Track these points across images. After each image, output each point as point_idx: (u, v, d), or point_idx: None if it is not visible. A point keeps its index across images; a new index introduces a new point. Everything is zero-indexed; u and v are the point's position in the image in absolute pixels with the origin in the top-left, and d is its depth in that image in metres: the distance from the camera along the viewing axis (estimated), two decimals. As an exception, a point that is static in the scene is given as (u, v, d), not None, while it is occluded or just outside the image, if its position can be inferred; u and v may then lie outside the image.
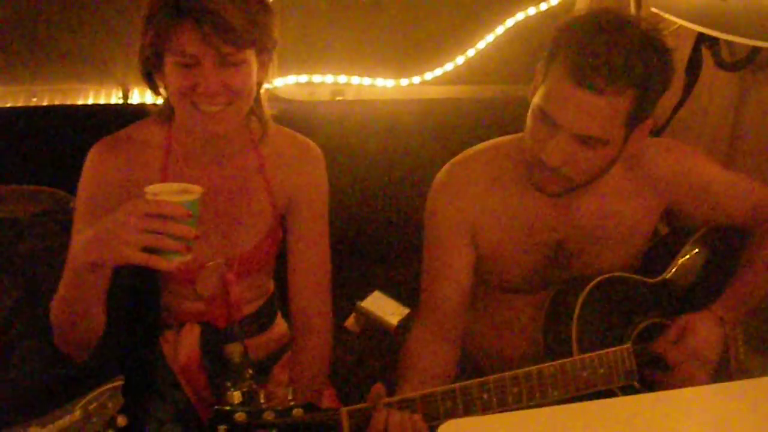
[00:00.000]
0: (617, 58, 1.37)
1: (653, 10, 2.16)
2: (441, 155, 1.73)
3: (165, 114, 1.55)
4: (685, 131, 2.39)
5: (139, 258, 1.22)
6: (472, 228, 1.64)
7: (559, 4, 2.67)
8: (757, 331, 1.71)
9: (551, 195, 1.53)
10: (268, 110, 1.61)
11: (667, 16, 2.12)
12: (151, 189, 1.25)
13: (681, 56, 2.28)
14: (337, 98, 2.60)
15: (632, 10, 2.36)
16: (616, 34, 1.40)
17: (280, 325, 1.84)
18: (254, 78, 1.47)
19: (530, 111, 1.49)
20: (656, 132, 2.42)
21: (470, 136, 1.77)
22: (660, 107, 2.41)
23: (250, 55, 1.43)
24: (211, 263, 1.62)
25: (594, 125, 1.41)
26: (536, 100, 1.47)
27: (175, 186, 1.29)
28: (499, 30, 2.68)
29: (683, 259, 1.72)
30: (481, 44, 2.68)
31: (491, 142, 1.70)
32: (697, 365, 1.57)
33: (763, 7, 1.86)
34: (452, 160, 1.69)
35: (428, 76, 2.67)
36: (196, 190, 1.26)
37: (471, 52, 2.69)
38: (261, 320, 1.77)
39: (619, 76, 1.38)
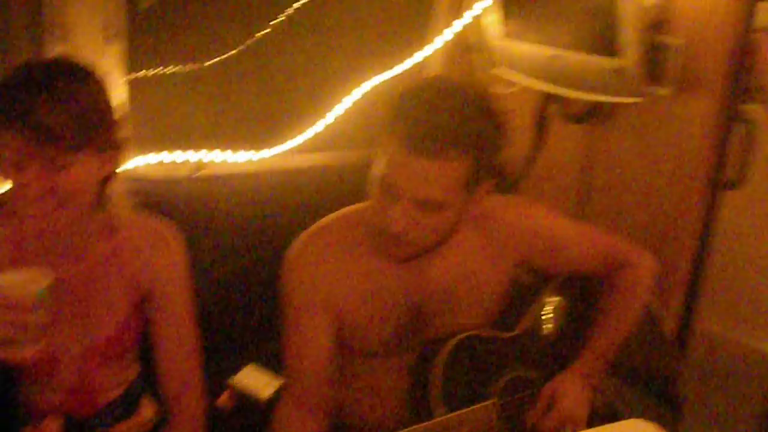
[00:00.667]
0: (449, 124, 1.43)
1: (497, 70, 2.27)
2: (307, 224, 1.74)
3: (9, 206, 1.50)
4: (539, 183, 2.49)
5: None
6: (329, 298, 1.66)
7: (413, 67, 2.74)
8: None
9: (400, 261, 1.57)
10: (122, 197, 1.58)
11: (512, 75, 2.23)
12: None
13: (530, 111, 2.39)
14: (198, 174, 2.57)
15: (478, 71, 2.45)
16: (448, 102, 1.46)
17: (147, 408, 1.79)
18: (91, 176, 1.43)
19: (372, 180, 1.53)
20: (511, 185, 2.51)
21: (334, 203, 1.79)
22: (513, 161, 2.53)
23: (84, 156, 1.39)
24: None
25: (432, 190, 1.46)
26: (376, 169, 1.51)
27: (23, 274, 1.25)
28: (357, 95, 2.72)
29: (537, 310, 1.78)
30: (340, 109, 2.71)
31: (344, 210, 1.73)
32: (570, 428, 1.62)
33: (599, 63, 1.98)
34: (305, 233, 1.71)
35: (290, 144, 2.68)
36: (45, 277, 1.23)
37: (331, 118, 2.72)
38: (125, 406, 1.72)
39: (451, 142, 1.43)
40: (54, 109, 1.33)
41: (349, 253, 1.67)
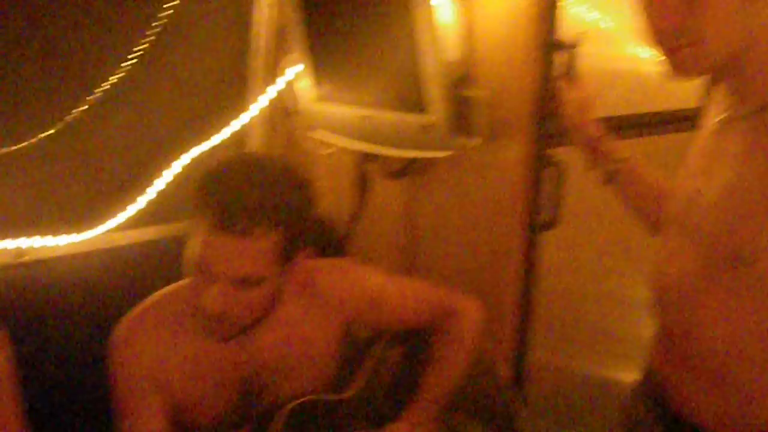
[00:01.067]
0: (256, 200, 1.45)
1: (315, 134, 2.30)
2: (136, 302, 1.70)
3: None
4: (366, 240, 2.52)
5: None
6: (158, 379, 1.62)
7: (233, 135, 2.73)
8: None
9: (222, 340, 1.55)
10: None
11: (329, 137, 2.26)
12: None
13: (350, 170, 2.43)
14: (20, 260, 2.47)
15: (298, 135, 2.47)
16: (253, 177, 1.48)
17: None
18: None
19: (187, 261, 1.52)
20: (337, 245, 2.53)
21: (162, 279, 1.75)
22: (338, 220, 2.56)
23: None
24: None
25: (247, 268, 1.46)
26: (190, 251, 1.49)
27: None
28: (177, 167, 2.69)
29: (371, 366, 1.79)
30: (161, 183, 2.67)
31: (169, 288, 1.71)
32: None
33: (409, 121, 2.03)
34: (129, 314, 1.67)
35: (113, 222, 2.61)
36: None
37: (152, 193, 2.67)
38: None
39: (260, 217, 1.44)
40: None
41: (174, 332, 1.64)
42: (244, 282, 1.47)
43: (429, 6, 1.90)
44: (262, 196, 1.45)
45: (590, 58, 2.20)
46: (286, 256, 1.52)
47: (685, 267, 1.38)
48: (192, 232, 1.50)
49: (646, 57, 2.44)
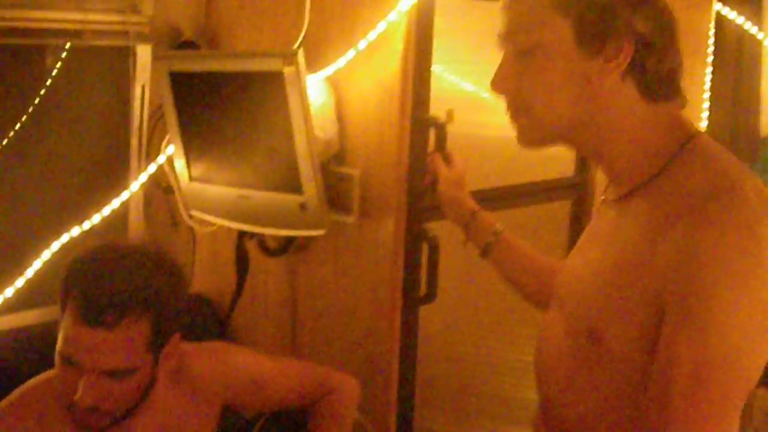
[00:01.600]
0: (121, 291, 1.44)
1: (192, 212, 2.29)
2: (6, 393, 1.64)
3: None
4: (249, 318, 2.51)
5: None
6: None
7: (113, 212, 2.69)
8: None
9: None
10: None
11: (206, 217, 2.26)
12: None
13: (230, 248, 2.42)
14: None
15: (177, 213, 2.45)
16: (120, 266, 1.47)
17: None
18: None
19: (55, 354, 1.48)
20: (220, 328, 2.52)
21: (42, 365, 1.69)
22: (220, 299, 2.55)
23: None
24: None
25: (116, 360, 1.45)
26: (58, 344, 1.47)
27: None
28: (56, 247, 2.62)
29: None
30: (38, 264, 2.60)
31: (39, 378, 1.66)
32: None
33: (284, 200, 2.05)
34: None
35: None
36: None
37: (30, 273, 2.60)
38: None
39: (125, 308, 1.43)
40: None
41: (46, 425, 1.57)
42: (115, 374, 1.45)
43: (301, 86, 1.93)
44: (127, 286, 1.44)
45: (468, 126, 2.27)
46: (157, 343, 1.50)
47: (557, 338, 1.42)
48: (59, 322, 1.48)
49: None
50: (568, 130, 1.33)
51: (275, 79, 1.94)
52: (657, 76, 1.30)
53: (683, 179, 1.25)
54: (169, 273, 1.53)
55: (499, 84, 1.34)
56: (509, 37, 1.32)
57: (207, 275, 2.64)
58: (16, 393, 1.64)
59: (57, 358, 1.48)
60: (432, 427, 2.38)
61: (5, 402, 1.62)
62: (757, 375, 1.19)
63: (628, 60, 1.26)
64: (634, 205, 1.30)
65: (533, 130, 1.34)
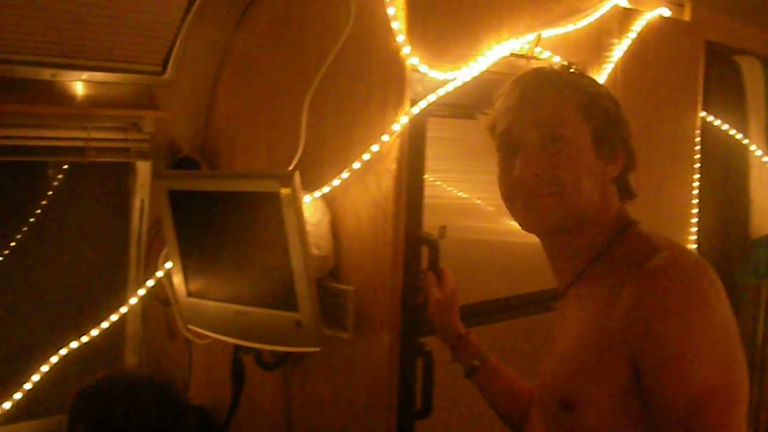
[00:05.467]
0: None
1: (190, 327, 2.32)
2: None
3: None
4: (247, 430, 2.51)
5: None
6: None
7: (113, 324, 2.70)
8: None
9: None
10: None
11: (202, 331, 2.29)
12: None
13: (226, 361, 2.44)
14: None
15: (174, 325, 2.48)
16: (123, 405, 1.50)
17: None
18: None
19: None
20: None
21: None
22: (216, 411, 2.55)
23: None
24: None
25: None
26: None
27: None
28: (54, 360, 2.64)
29: None
30: (36, 377, 2.61)
31: None
32: None
33: (280, 317, 2.08)
34: None
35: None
36: None
37: (29, 386, 2.60)
38: None
39: None
40: None
41: None
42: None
43: (297, 206, 1.98)
44: (136, 424, 1.48)
45: (463, 231, 2.32)
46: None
47: (535, 424, 1.57)
48: None
49: (518, 230, 2.58)
50: (581, 216, 1.48)
51: (272, 199, 1.99)
52: (628, 182, 1.56)
53: (621, 255, 1.46)
54: (173, 405, 1.57)
55: (531, 166, 1.47)
56: (535, 124, 1.48)
57: (203, 386, 2.66)
58: None
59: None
60: None
61: None
62: (746, 393, 1.33)
63: (621, 167, 1.52)
64: (583, 288, 1.51)
65: (558, 209, 1.47)
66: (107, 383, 1.58)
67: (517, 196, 1.50)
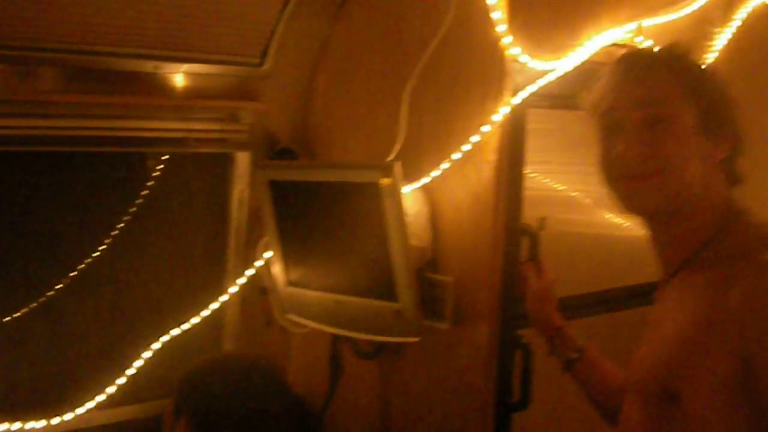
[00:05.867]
0: (237, 417, 1.48)
1: (289, 316, 2.35)
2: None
3: None
4: (340, 419, 2.53)
5: None
6: None
7: (213, 312, 2.75)
8: None
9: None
10: None
11: (301, 320, 2.31)
12: None
13: (324, 350, 2.47)
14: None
15: (273, 314, 2.52)
16: (233, 387, 1.52)
17: None
18: None
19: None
20: (313, 424, 2.54)
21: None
22: (312, 400, 2.58)
23: None
24: None
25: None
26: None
27: None
28: (157, 346, 2.70)
29: None
30: (139, 363, 2.68)
31: None
32: None
33: (379, 307, 2.10)
34: None
35: (90, 404, 2.59)
36: None
37: (132, 371, 2.67)
38: None
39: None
40: None
41: None
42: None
43: (397, 197, 1.99)
44: (241, 410, 1.50)
45: (560, 224, 2.30)
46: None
47: (631, 418, 1.51)
48: (170, 426, 1.53)
49: (615, 222, 2.54)
50: (686, 199, 1.44)
51: (372, 189, 2.00)
52: (736, 166, 1.50)
53: (731, 245, 1.42)
54: (280, 395, 1.59)
55: (634, 147, 1.44)
56: (639, 104, 1.44)
57: (299, 375, 2.69)
58: None
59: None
60: None
61: None
62: None
63: (728, 150, 1.47)
64: (688, 276, 1.45)
65: (661, 191, 1.44)
66: (213, 366, 1.60)
67: (619, 177, 1.48)
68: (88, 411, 2.53)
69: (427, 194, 2.19)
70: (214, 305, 2.55)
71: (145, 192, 2.89)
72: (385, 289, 2.06)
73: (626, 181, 1.46)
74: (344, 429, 2.54)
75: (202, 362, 1.62)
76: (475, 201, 2.11)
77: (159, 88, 2.43)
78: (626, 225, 2.48)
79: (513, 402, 2.15)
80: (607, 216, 2.53)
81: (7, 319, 2.62)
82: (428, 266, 2.19)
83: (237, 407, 1.52)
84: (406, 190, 2.13)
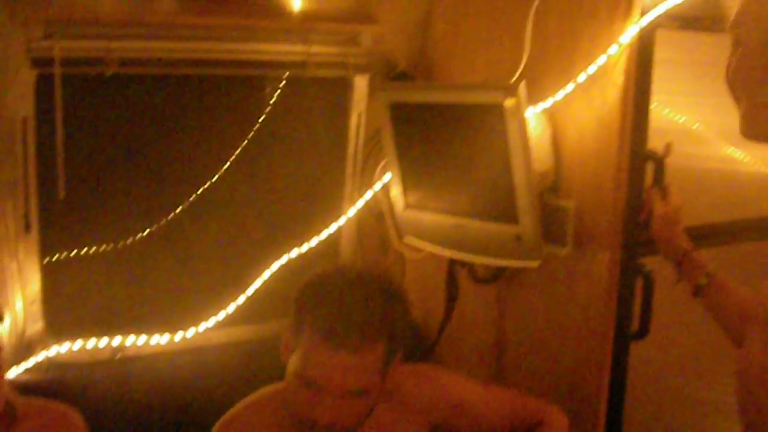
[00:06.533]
0: (366, 317, 1.51)
1: (407, 240, 2.35)
2: (229, 401, 1.75)
3: None
4: (456, 342, 2.54)
5: None
6: None
7: (329, 236, 2.78)
8: None
9: None
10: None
11: (419, 243, 2.31)
12: None
13: (441, 274, 2.47)
14: (117, 357, 2.56)
15: (390, 238, 2.53)
16: (358, 292, 1.53)
17: None
18: None
19: (289, 376, 1.57)
20: (428, 349, 2.56)
21: (255, 378, 1.82)
22: (428, 324, 2.59)
23: None
24: None
25: (357, 381, 1.53)
26: (293, 366, 1.55)
27: None
28: (275, 267, 2.75)
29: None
30: (259, 283, 2.73)
31: (266, 391, 1.75)
32: None
33: (499, 230, 2.08)
34: (229, 413, 1.72)
35: (211, 321, 2.66)
36: None
37: (251, 291, 2.73)
38: None
39: (368, 333, 1.51)
40: None
41: None
42: (354, 394, 1.52)
43: (521, 119, 1.95)
44: (367, 311, 1.51)
45: (682, 158, 2.22)
46: (388, 364, 1.57)
47: (758, 365, 1.39)
48: (293, 342, 1.55)
49: (738, 157, 2.45)
50: None
51: (495, 111, 1.97)
52: None
53: None
54: (400, 299, 1.59)
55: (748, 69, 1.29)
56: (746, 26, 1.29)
57: (415, 300, 2.70)
58: (247, 401, 1.73)
59: (295, 380, 1.55)
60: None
61: (238, 408, 1.72)
62: None
63: None
64: None
65: None
66: (337, 274, 1.61)
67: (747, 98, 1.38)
68: (208, 329, 2.62)
69: (549, 117, 2.15)
70: (333, 228, 2.58)
71: (263, 117, 2.92)
72: (506, 213, 2.04)
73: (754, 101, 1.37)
74: (458, 353, 2.55)
75: (323, 269, 1.62)
76: (600, 125, 2.05)
77: (278, 10, 2.43)
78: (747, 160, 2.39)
79: (632, 331, 2.11)
80: (729, 150, 2.44)
81: (131, 240, 2.70)
82: (549, 190, 2.15)
83: (358, 311, 1.52)
84: (528, 111, 2.09)
